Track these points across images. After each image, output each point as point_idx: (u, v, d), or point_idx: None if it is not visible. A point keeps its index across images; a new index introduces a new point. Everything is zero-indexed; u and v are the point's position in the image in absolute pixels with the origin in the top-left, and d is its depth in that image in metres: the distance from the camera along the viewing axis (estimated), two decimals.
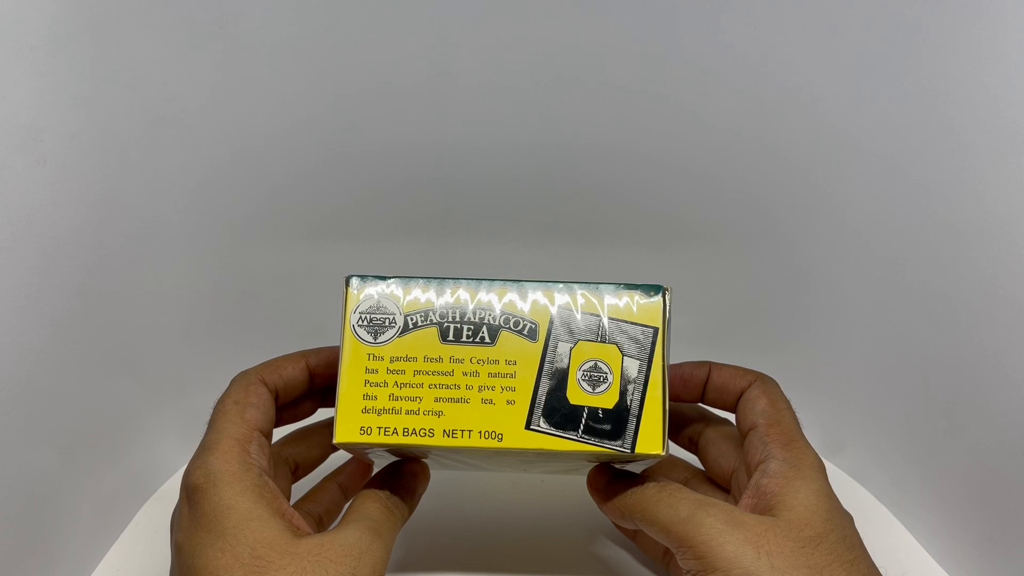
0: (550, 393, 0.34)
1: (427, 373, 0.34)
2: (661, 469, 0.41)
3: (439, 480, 0.41)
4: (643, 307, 0.34)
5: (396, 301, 0.35)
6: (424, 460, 0.39)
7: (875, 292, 0.46)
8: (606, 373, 0.34)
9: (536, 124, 0.46)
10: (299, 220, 0.49)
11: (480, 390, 0.34)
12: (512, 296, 0.35)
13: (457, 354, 0.34)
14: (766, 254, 0.49)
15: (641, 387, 0.34)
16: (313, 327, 0.40)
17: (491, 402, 0.34)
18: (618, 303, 0.34)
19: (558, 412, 0.34)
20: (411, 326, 0.34)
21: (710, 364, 0.40)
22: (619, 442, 0.34)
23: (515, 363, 0.34)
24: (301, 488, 0.42)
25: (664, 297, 0.35)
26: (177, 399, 0.48)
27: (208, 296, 0.49)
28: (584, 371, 0.34)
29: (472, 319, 0.34)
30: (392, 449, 0.36)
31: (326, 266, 0.41)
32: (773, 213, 0.48)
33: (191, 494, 0.34)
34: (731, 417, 0.40)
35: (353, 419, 0.34)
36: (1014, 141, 0.38)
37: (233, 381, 0.38)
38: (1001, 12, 0.38)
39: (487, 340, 0.34)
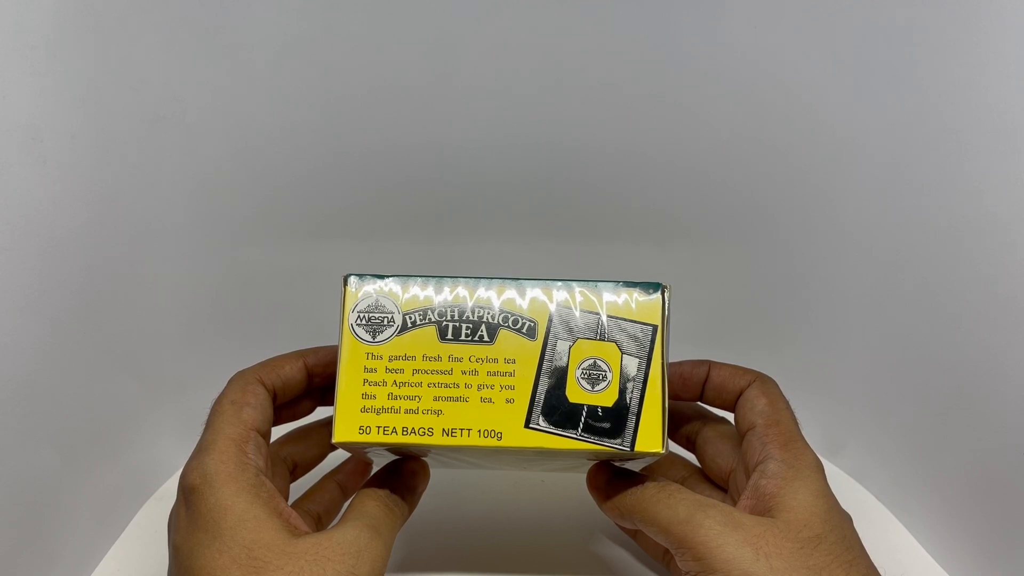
0: (549, 391, 0.34)
1: (426, 372, 0.34)
2: (660, 467, 0.42)
3: (439, 480, 0.41)
4: (642, 305, 0.34)
5: (394, 299, 0.35)
6: (424, 459, 0.39)
7: (875, 292, 0.46)
8: (605, 371, 0.34)
9: (536, 124, 0.47)
10: (299, 220, 0.49)
11: (479, 389, 0.34)
12: (511, 294, 0.35)
13: (456, 353, 0.34)
14: (766, 253, 0.49)
15: (640, 385, 0.34)
16: (313, 327, 0.40)
17: (490, 401, 0.34)
18: (617, 301, 0.34)
19: (557, 410, 0.34)
20: (410, 325, 0.34)
21: (709, 363, 0.40)
22: (618, 440, 0.34)
23: (514, 361, 0.34)
24: (300, 487, 0.42)
25: (663, 295, 0.35)
26: (177, 399, 0.48)
27: (208, 296, 0.49)
28: (583, 369, 0.34)
29: (471, 317, 0.34)
30: (391, 448, 0.36)
31: (326, 266, 0.41)
32: (773, 212, 0.48)
33: (188, 495, 0.34)
34: (730, 416, 0.40)
35: (352, 418, 0.34)
36: (1014, 141, 0.38)
37: (230, 381, 0.38)
38: (1001, 12, 0.38)
39: (486, 338, 0.34)
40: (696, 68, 0.45)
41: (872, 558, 0.35)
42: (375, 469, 0.41)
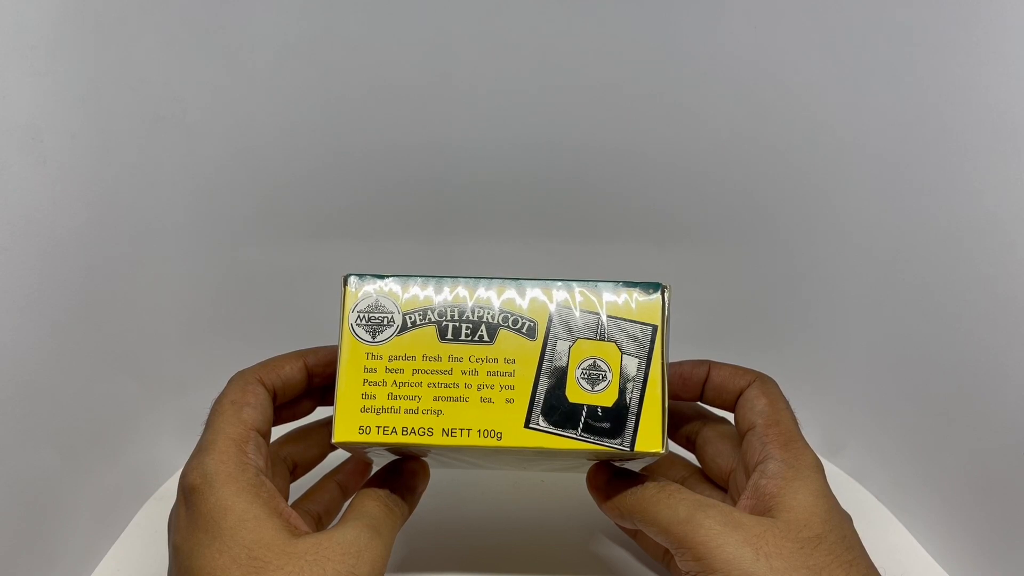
0: (549, 391, 0.34)
1: (426, 372, 0.34)
2: (660, 467, 0.42)
3: (439, 480, 0.41)
4: (642, 305, 0.34)
5: (394, 299, 0.35)
6: (424, 459, 0.39)
7: (875, 292, 0.46)
8: (605, 371, 0.34)
9: (536, 124, 0.47)
10: (299, 220, 0.49)
11: (479, 389, 0.34)
12: (511, 294, 0.35)
13: (456, 353, 0.34)
14: (766, 253, 0.49)
15: (640, 385, 0.34)
16: (313, 327, 0.40)
17: (490, 401, 0.34)
18: (617, 301, 0.34)
19: (557, 411, 0.34)
20: (409, 325, 0.34)
21: (709, 363, 0.40)
22: (618, 440, 0.34)
23: (514, 361, 0.34)
24: (300, 487, 0.42)
25: (663, 295, 0.35)
26: (177, 399, 0.48)
27: (208, 296, 0.49)
28: (583, 369, 0.34)
29: (471, 317, 0.34)
30: (391, 448, 0.36)
31: (326, 266, 0.41)
32: (772, 212, 0.48)
33: (188, 495, 0.34)
34: (730, 416, 0.40)
35: (352, 418, 0.34)
36: (1014, 141, 0.38)
37: (231, 381, 0.38)
38: (1000, 12, 0.38)
39: (486, 338, 0.34)
40: (696, 68, 0.45)
41: (872, 558, 0.35)
42: (375, 469, 0.41)
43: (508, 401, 0.34)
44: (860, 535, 0.36)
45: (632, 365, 0.34)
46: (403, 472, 0.39)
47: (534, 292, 0.35)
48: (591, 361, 0.34)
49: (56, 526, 0.41)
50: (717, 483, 0.41)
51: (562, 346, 0.34)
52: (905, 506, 0.48)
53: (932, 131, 0.41)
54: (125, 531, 0.47)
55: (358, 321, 0.35)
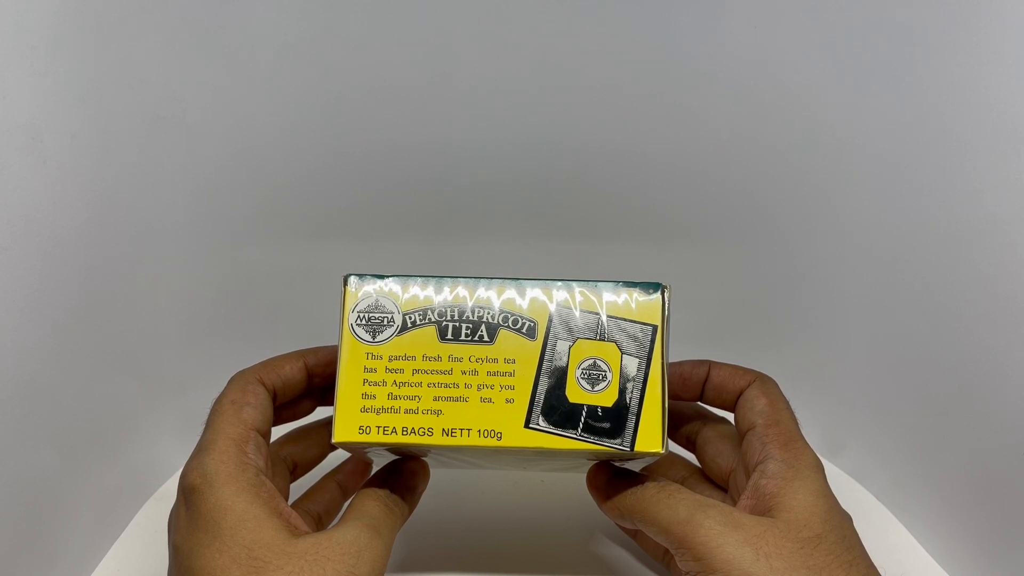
0: (549, 391, 0.34)
1: (426, 372, 0.34)
2: (660, 467, 0.42)
3: (439, 480, 0.41)
4: (642, 305, 0.34)
5: (394, 299, 0.35)
6: (424, 459, 0.39)
7: (875, 292, 0.46)
8: (605, 371, 0.34)
9: (536, 124, 0.47)
10: (299, 220, 0.49)
11: (479, 389, 0.34)
12: (511, 294, 0.35)
13: (456, 353, 0.34)
14: (766, 253, 0.49)
15: (640, 385, 0.34)
16: (313, 327, 0.40)
17: (490, 401, 0.34)
18: (617, 301, 0.34)
19: (557, 411, 0.34)
20: (409, 325, 0.34)
21: (709, 363, 0.40)
22: (618, 440, 0.34)
23: (514, 362, 0.34)
24: (300, 487, 0.42)
25: (663, 295, 0.35)
26: (177, 399, 0.48)
27: (208, 296, 0.49)
28: (583, 369, 0.34)
29: (471, 317, 0.34)
30: (391, 448, 0.36)
31: (326, 266, 0.41)
32: (773, 212, 0.48)
33: (188, 495, 0.34)
34: (730, 416, 0.40)
35: (352, 418, 0.34)
36: (1014, 141, 0.38)
37: (231, 381, 0.38)
38: (1001, 12, 0.38)
39: (486, 338, 0.34)
40: (696, 68, 0.45)
41: (872, 558, 0.35)
42: (375, 469, 0.41)
43: (508, 401, 0.34)
44: (860, 535, 0.36)
45: (632, 365, 0.34)
46: (403, 472, 0.39)
47: (534, 292, 0.35)
48: (591, 361, 0.34)
49: (56, 526, 0.41)
50: (717, 483, 0.41)
51: (562, 346, 0.34)
52: (905, 506, 0.48)
53: (932, 131, 0.41)
54: (125, 531, 0.47)
55: (358, 321, 0.35)
